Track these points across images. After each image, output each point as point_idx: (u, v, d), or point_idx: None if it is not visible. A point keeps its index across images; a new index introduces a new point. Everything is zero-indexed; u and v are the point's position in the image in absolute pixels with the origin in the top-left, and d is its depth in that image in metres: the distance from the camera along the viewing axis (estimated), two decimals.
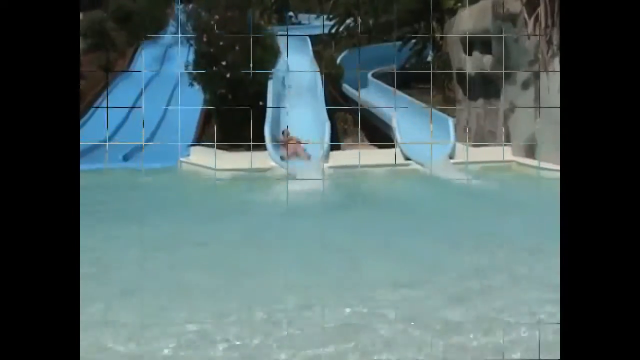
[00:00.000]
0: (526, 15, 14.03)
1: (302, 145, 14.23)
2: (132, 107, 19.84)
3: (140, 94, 22.21)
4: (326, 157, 15.05)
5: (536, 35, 14.00)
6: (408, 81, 23.45)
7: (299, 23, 34.09)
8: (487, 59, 15.67)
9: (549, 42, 13.74)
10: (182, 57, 22.29)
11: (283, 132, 15.16)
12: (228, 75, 17.40)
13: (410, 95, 20.48)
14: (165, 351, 5.43)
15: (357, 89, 21.59)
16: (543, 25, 13.83)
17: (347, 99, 21.39)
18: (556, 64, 13.80)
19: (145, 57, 27.35)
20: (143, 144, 17.97)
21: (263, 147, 15.26)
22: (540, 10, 13.85)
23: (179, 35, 20.87)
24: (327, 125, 15.88)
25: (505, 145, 15.44)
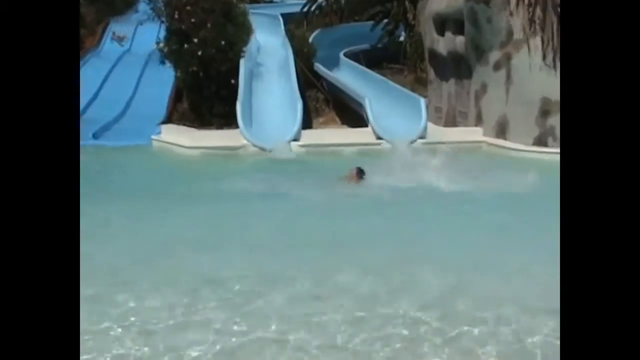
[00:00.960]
0: None
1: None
2: None
3: (110, 71, 22.01)
4: (299, 136, 15.06)
5: (512, 14, 14.01)
6: (379, 61, 23.44)
7: (271, 1, 33.83)
8: (460, 40, 15.69)
9: (532, 20, 13.76)
10: (152, 34, 22.14)
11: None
12: (200, 53, 17.28)
13: (381, 75, 20.47)
14: None
15: (328, 68, 21.54)
16: (526, 2, 13.84)
17: (319, 78, 21.33)
18: (537, 41, 13.82)
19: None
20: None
21: (235, 125, 15.23)
22: None
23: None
24: (300, 104, 15.84)
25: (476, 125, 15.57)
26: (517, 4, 13.91)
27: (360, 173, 11.78)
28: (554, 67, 13.51)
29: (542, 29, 13.62)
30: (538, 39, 13.83)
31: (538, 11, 13.70)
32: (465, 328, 5.56)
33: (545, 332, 5.37)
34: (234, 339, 5.47)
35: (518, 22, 14.18)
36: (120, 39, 25.19)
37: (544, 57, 13.70)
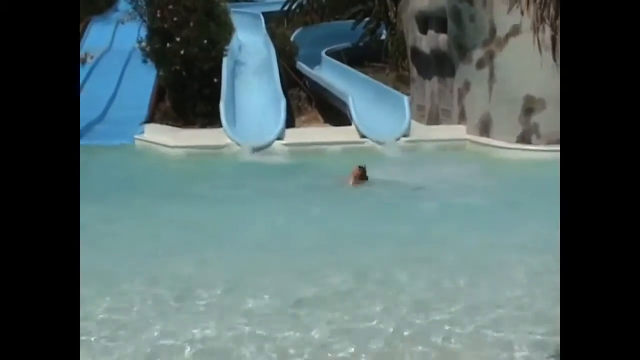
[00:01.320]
0: None
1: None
2: None
3: (91, 70, 21.84)
4: (283, 135, 15.05)
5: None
6: (361, 60, 23.44)
7: (252, 0, 33.79)
8: (443, 38, 15.73)
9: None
10: (134, 33, 21.98)
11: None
12: (182, 52, 17.23)
13: (363, 73, 20.46)
14: None
15: (310, 67, 21.52)
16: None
17: (302, 77, 21.31)
18: (547, 38, 13.77)
19: (95, 34, 26.82)
20: None
21: (218, 124, 15.20)
22: None
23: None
24: (283, 103, 15.83)
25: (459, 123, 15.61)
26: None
27: (363, 175, 11.52)
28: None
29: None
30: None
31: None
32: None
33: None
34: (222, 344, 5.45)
35: (502, 20, 14.20)
36: (82, 60, 24.70)
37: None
